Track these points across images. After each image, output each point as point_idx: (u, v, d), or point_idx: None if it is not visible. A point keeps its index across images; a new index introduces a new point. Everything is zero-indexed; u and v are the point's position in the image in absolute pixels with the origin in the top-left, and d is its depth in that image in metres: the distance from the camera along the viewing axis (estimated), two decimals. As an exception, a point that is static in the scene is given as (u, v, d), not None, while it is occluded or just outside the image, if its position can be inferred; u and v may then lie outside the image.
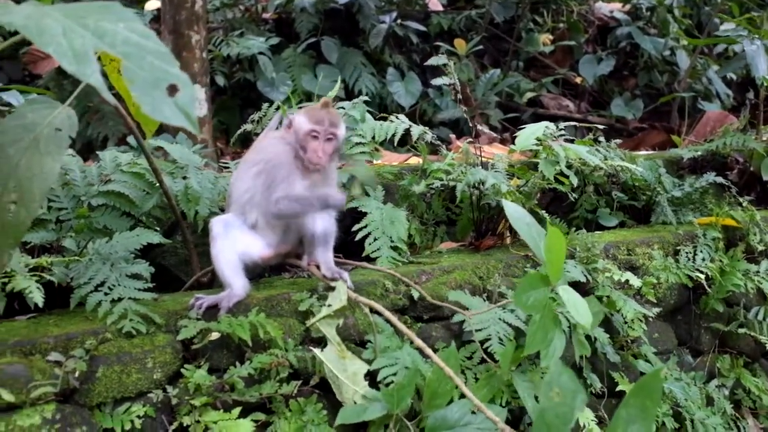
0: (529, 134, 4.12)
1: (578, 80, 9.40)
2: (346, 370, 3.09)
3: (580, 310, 2.80)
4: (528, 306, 2.76)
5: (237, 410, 2.90)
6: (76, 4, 1.84)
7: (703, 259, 4.61)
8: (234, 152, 6.70)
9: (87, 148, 7.15)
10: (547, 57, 9.70)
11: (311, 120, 3.24)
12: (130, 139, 5.88)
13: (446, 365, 2.94)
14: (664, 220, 4.95)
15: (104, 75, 2.97)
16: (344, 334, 3.28)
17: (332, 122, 3.25)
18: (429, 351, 3.03)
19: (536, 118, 7.89)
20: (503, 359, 3.29)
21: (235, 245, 3.27)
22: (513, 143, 4.23)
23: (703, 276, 4.47)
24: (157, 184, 3.53)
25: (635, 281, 4.02)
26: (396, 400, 2.98)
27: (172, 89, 1.77)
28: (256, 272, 3.60)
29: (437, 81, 4.14)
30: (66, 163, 3.57)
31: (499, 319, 3.50)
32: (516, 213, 2.88)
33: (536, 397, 3.32)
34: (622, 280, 4.03)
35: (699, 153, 5.58)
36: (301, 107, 4.31)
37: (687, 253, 4.63)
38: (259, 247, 3.34)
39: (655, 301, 4.27)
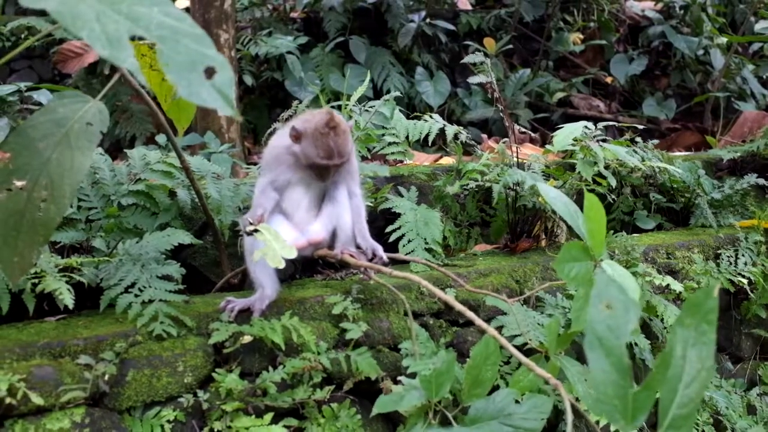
0: (567, 134, 4.01)
1: (609, 80, 9.26)
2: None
3: (627, 284, 2.66)
4: (571, 278, 2.63)
5: (269, 416, 2.83)
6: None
7: (746, 263, 4.48)
8: (262, 152, 6.65)
9: (115, 147, 7.14)
10: (577, 56, 9.57)
11: (321, 154, 3.04)
12: (159, 138, 5.85)
13: (485, 355, 2.79)
14: (704, 222, 4.82)
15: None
16: (378, 338, 3.21)
17: (341, 152, 3.05)
18: (480, 322, 2.88)
19: (566, 119, 7.79)
20: (549, 337, 3.10)
21: None
22: (543, 144, 4.13)
23: (745, 281, 4.34)
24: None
25: (677, 286, 3.89)
26: (434, 387, 2.77)
27: (209, 72, 1.70)
28: (287, 273, 3.53)
29: (474, 79, 4.04)
30: (95, 162, 3.52)
31: (538, 324, 3.40)
32: (552, 193, 2.77)
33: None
34: (663, 284, 3.91)
35: (739, 154, 5.44)
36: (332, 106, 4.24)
37: (728, 257, 4.50)
38: (293, 237, 3.23)
39: (695, 307, 4.13)
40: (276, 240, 2.86)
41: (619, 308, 1.57)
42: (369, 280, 3.26)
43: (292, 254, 2.83)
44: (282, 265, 2.80)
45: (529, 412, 2.75)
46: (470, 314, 2.77)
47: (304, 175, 3.17)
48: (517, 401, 2.81)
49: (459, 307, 2.85)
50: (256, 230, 2.91)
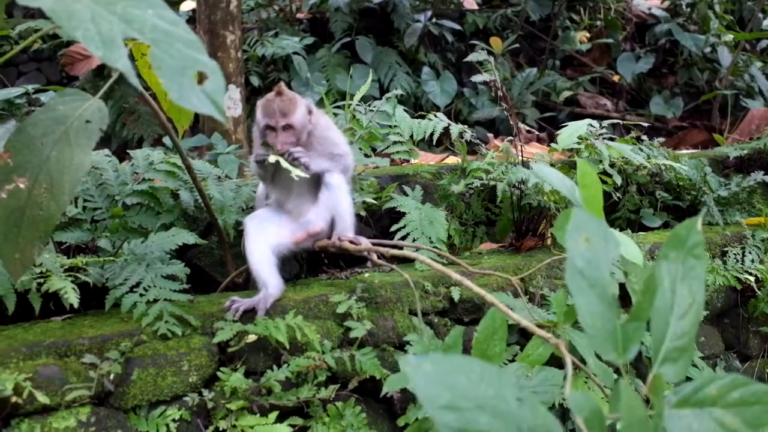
0: (572, 132, 4.00)
1: (616, 78, 9.24)
2: None
3: (629, 249, 2.63)
4: None
5: (274, 414, 2.84)
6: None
7: (752, 261, 4.46)
8: (268, 152, 6.66)
9: (123, 149, 7.16)
10: (584, 55, 9.54)
11: (264, 113, 3.17)
12: (166, 140, 5.87)
13: (492, 329, 2.75)
14: (710, 220, 4.80)
15: (138, 74, 2.92)
16: (383, 337, 3.21)
17: (283, 112, 3.13)
18: (484, 293, 2.84)
19: (573, 117, 7.76)
20: (558, 308, 3.08)
21: (268, 238, 3.20)
22: (550, 142, 4.12)
23: (752, 278, 4.32)
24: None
25: (682, 283, 3.87)
26: None
27: (201, 77, 1.71)
28: (292, 272, 3.53)
29: (477, 78, 4.04)
30: (99, 163, 3.53)
31: (543, 321, 3.39)
32: (546, 170, 2.74)
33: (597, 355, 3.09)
34: (669, 282, 3.89)
35: (745, 151, 5.41)
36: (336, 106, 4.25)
37: (735, 254, 4.48)
38: (292, 230, 3.26)
39: (701, 304, 4.13)
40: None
41: (597, 241, 1.55)
42: (372, 266, 3.29)
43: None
44: (303, 174, 3.04)
45: (539, 385, 2.68)
46: (467, 282, 2.69)
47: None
48: (527, 375, 2.77)
49: (458, 277, 2.79)
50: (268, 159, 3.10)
